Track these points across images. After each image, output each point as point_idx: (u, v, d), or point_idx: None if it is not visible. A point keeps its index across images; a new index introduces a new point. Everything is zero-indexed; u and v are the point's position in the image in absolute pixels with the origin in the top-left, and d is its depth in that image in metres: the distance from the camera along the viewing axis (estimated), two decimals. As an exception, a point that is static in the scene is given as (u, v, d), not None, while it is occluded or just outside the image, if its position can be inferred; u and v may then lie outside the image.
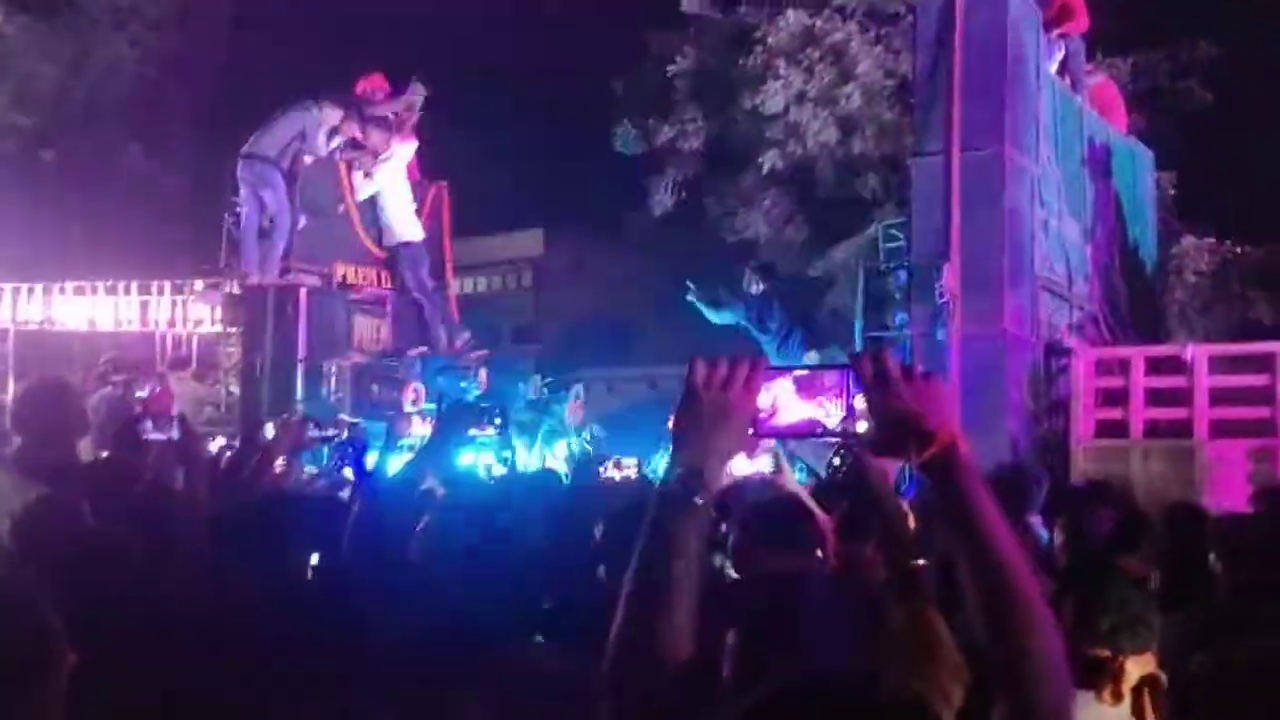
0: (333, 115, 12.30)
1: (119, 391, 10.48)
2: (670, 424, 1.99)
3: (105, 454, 6.10)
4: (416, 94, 12.82)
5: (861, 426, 1.99)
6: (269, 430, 5.13)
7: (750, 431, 2.03)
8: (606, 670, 1.81)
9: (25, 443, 5.35)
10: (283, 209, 11.79)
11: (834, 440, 3.49)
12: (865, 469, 3.64)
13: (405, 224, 12.72)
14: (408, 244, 12.70)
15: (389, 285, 12.81)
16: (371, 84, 12.95)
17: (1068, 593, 3.36)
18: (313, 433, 4.82)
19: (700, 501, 1.88)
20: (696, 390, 1.97)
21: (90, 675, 2.31)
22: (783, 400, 2.04)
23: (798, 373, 2.09)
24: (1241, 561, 3.99)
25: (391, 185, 12.56)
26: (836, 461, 4.15)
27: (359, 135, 12.61)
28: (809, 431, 2.16)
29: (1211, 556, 4.19)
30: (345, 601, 3.11)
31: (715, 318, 13.45)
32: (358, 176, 12.45)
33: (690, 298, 13.24)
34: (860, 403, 1.97)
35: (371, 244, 12.64)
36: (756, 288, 11.88)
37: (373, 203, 12.61)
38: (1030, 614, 1.74)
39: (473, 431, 4.65)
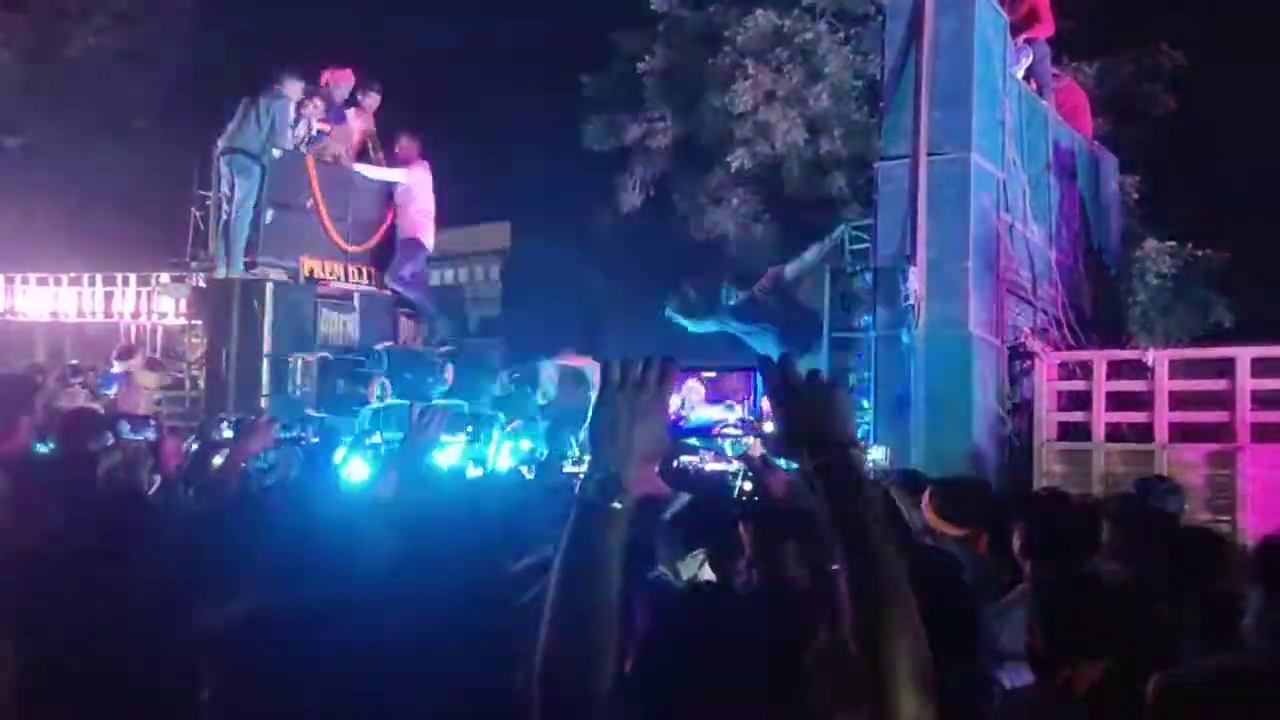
0: (294, 89, 12.29)
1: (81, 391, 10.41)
2: (586, 429, 1.93)
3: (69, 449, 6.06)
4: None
5: (768, 427, 2.01)
6: (225, 429, 5.09)
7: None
8: (536, 680, 1.78)
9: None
10: (250, 202, 11.74)
11: (739, 435, 3.53)
12: (766, 483, 3.68)
13: (428, 225, 12.99)
14: (423, 244, 12.91)
15: (356, 280, 12.78)
16: (336, 75, 13.00)
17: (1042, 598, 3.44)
18: (280, 434, 4.80)
19: (619, 507, 1.83)
20: (612, 393, 1.93)
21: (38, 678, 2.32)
22: (693, 403, 2.08)
23: (706, 374, 2.13)
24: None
25: (423, 183, 12.74)
26: (747, 487, 4.15)
27: (326, 122, 12.71)
28: (717, 432, 2.21)
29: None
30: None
31: (695, 328, 13.21)
32: (375, 168, 12.96)
33: (668, 313, 13.04)
34: (766, 405, 1.98)
35: (340, 239, 12.61)
36: (736, 299, 11.84)
37: (381, 196, 12.71)
38: (905, 624, 1.78)
39: (445, 437, 4.64)
